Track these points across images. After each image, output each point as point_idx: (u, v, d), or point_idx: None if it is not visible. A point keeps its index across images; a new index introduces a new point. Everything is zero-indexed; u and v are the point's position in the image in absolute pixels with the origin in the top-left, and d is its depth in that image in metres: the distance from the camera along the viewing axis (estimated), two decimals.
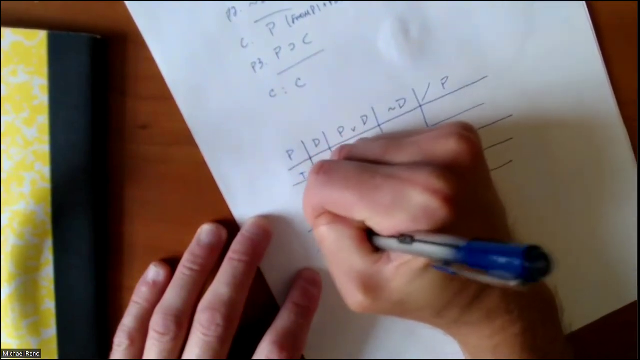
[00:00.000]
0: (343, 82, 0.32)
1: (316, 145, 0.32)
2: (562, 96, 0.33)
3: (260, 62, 0.31)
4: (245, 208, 0.33)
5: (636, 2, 0.32)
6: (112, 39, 0.31)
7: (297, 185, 0.33)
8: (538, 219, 0.34)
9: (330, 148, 0.32)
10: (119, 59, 0.31)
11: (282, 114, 0.32)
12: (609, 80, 0.33)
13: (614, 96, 0.34)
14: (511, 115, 0.33)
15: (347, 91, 0.32)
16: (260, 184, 0.32)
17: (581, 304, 0.35)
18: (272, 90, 0.32)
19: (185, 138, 0.32)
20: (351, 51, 0.31)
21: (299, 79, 0.32)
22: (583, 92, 0.33)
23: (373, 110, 0.32)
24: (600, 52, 0.33)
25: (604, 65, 0.33)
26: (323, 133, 0.32)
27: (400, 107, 0.32)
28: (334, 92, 0.32)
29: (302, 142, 0.32)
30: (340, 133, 0.32)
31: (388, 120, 0.32)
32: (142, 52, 0.31)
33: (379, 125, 0.32)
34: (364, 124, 0.32)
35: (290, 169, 0.32)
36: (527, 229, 0.32)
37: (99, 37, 0.30)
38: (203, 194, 0.33)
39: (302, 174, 0.33)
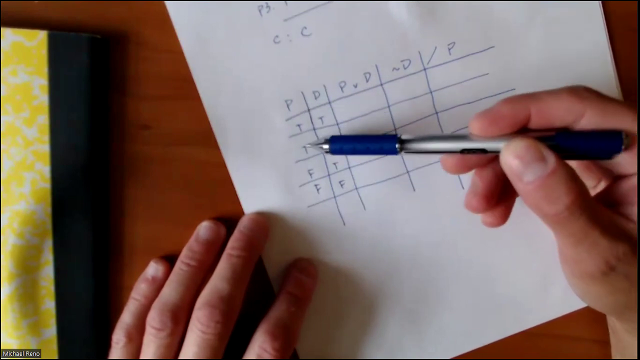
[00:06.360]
0: (349, 36, 0.31)
1: (316, 98, 0.32)
2: (566, 75, 0.33)
3: (268, 7, 0.31)
4: (238, 155, 0.32)
5: (636, 1, 0.32)
6: (112, 39, 0.31)
7: (292, 136, 0.32)
8: None
9: (330, 102, 0.32)
10: (119, 59, 0.32)
11: (284, 62, 0.32)
12: (614, 65, 0.33)
13: (617, 81, 0.33)
14: (514, 89, 0.32)
15: (353, 46, 0.32)
16: (255, 132, 0.32)
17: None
18: (277, 36, 0.31)
19: (185, 139, 0.32)
20: (361, 5, 0.31)
21: (305, 27, 0.31)
22: (587, 72, 0.33)
23: (377, 68, 0.32)
24: (608, 34, 0.32)
25: (610, 48, 0.33)
26: (324, 86, 0.32)
27: (405, 68, 0.32)
28: (339, 45, 0.32)
29: (302, 92, 0.32)
30: (342, 88, 0.32)
31: (391, 80, 0.32)
32: (142, 52, 0.31)
33: (381, 85, 0.32)
34: (367, 81, 0.32)
35: (288, 120, 0.32)
36: None
37: (99, 37, 0.31)
38: (203, 194, 0.33)
39: (298, 125, 0.32)
